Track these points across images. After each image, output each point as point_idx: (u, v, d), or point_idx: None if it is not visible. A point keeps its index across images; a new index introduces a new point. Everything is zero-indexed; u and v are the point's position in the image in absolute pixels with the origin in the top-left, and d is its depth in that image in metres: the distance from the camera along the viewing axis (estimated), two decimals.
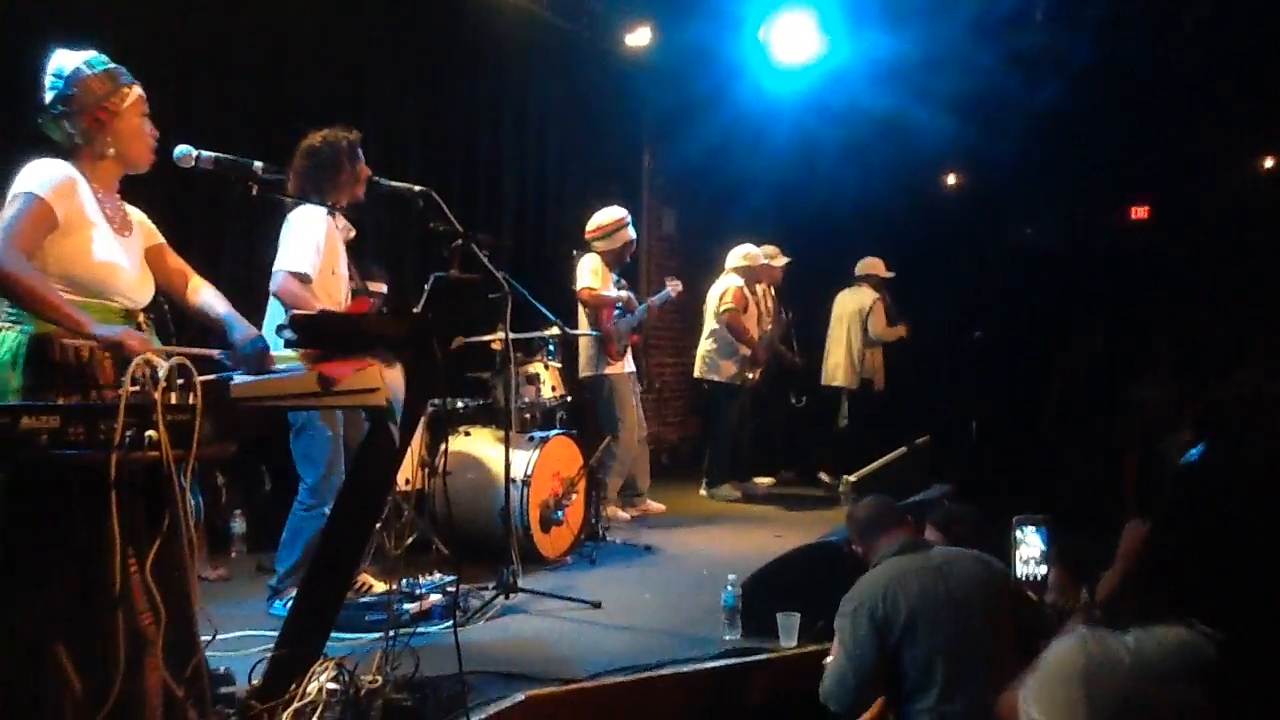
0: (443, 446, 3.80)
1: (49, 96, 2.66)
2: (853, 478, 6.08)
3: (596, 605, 4.08)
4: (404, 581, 3.72)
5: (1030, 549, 2.80)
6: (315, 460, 3.80)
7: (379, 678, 2.77)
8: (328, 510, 3.68)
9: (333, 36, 5.44)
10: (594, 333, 5.86)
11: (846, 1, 7.36)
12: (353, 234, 4.05)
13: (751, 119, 7.82)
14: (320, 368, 2.48)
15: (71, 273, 2.60)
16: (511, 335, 4.35)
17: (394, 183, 3.78)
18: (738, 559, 4.55)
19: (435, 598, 3.79)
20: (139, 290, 2.76)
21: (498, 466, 4.42)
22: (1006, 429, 7.69)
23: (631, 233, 6.02)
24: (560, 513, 4.95)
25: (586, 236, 5.98)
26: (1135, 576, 1.69)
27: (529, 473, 4.74)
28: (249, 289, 4.01)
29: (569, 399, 5.45)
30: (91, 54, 2.70)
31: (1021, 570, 2.90)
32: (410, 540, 3.85)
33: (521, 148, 6.94)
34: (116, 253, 2.68)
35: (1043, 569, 3.03)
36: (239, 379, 2.41)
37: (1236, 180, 9.35)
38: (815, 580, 3.61)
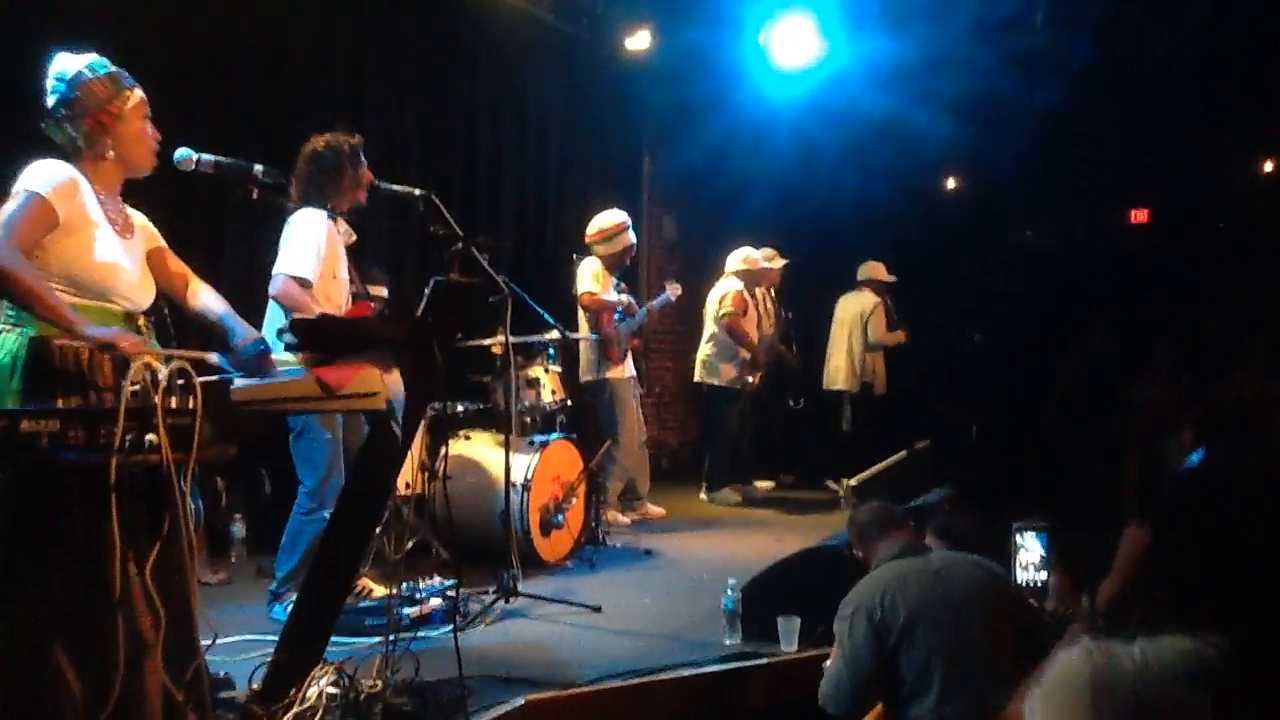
0: (443, 450, 3.80)
1: (51, 100, 2.67)
2: (853, 481, 6.08)
3: (596, 609, 4.08)
4: (404, 585, 3.71)
5: (1030, 554, 2.80)
6: (315, 464, 3.79)
7: (379, 682, 2.76)
8: (327, 514, 3.68)
9: (333, 38, 5.44)
10: (594, 336, 5.86)
11: (846, 5, 7.36)
12: (354, 238, 4.05)
13: (751, 122, 7.83)
14: (319, 372, 2.48)
15: (73, 272, 2.60)
16: (511, 339, 4.35)
17: (394, 186, 3.78)
18: (738, 563, 4.54)
19: (435, 602, 3.78)
20: (140, 292, 2.76)
21: (498, 470, 4.41)
22: (1006, 431, 7.70)
23: (632, 237, 6.02)
24: (560, 517, 4.94)
25: (587, 240, 5.98)
26: (1136, 583, 1.69)
27: (529, 477, 4.74)
28: (249, 292, 4.01)
29: (569, 403, 5.45)
30: (93, 58, 2.70)
31: (1022, 576, 2.90)
32: (410, 544, 3.85)
33: (522, 149, 6.95)
34: (118, 254, 2.69)
35: (1043, 574, 3.03)
36: (239, 382, 2.41)
37: (1236, 182, 9.36)
38: (815, 584, 3.60)
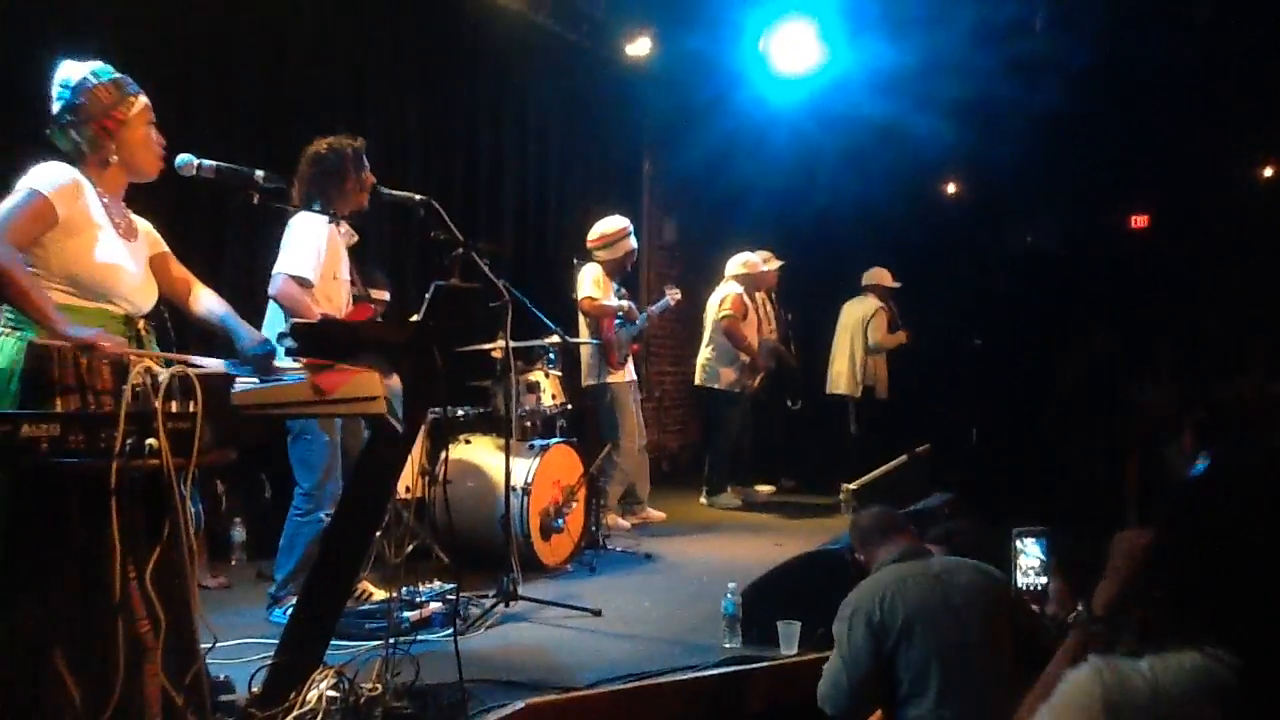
0: (443, 454, 3.79)
1: (56, 107, 2.70)
2: (853, 485, 6.08)
3: (597, 613, 4.08)
4: (404, 589, 3.71)
5: (1030, 559, 2.80)
6: (312, 466, 3.80)
7: (379, 686, 2.76)
8: (324, 515, 3.70)
9: (333, 40, 5.45)
10: (594, 341, 5.87)
11: (846, 10, 7.37)
12: (355, 238, 4.06)
13: (752, 127, 7.84)
14: (316, 378, 2.48)
15: (74, 273, 2.61)
16: (512, 343, 4.36)
17: (395, 191, 3.78)
18: (738, 567, 4.54)
19: (435, 605, 3.78)
20: (141, 295, 2.77)
21: (498, 474, 4.42)
22: (1007, 434, 7.70)
23: (633, 242, 6.03)
24: (560, 521, 4.94)
25: (588, 245, 5.98)
26: (1134, 589, 1.68)
27: (529, 481, 4.74)
28: (250, 296, 4.02)
29: (569, 407, 5.45)
30: (98, 64, 2.73)
31: (1022, 581, 2.90)
32: (410, 548, 3.85)
33: (522, 153, 6.95)
34: (120, 255, 2.70)
35: (1043, 579, 3.03)
36: (239, 386, 2.41)
37: (1236, 184, 9.36)
38: (816, 588, 3.59)
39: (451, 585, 3.85)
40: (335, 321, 3.42)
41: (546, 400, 5.22)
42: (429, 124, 6.08)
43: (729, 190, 8.23)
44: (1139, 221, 9.80)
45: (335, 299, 3.84)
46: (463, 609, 3.85)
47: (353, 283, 4.02)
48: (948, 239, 9.18)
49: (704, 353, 6.95)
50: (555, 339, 5.20)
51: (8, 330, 2.50)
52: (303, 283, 3.66)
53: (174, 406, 2.16)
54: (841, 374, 7.68)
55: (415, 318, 2.90)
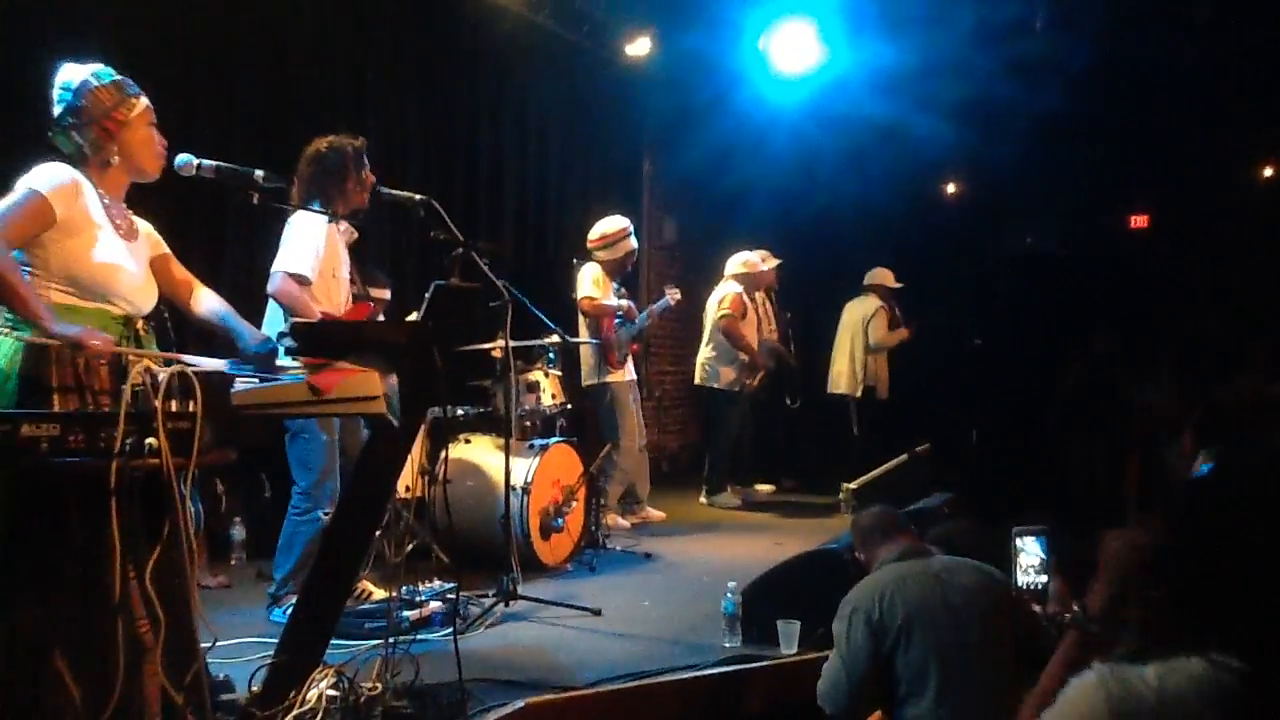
0: (443, 454, 3.79)
1: (58, 109, 2.71)
2: (853, 485, 6.08)
3: (597, 613, 4.08)
4: (404, 589, 3.71)
5: (1030, 558, 2.80)
6: (309, 465, 3.80)
7: (379, 685, 2.76)
8: (321, 514, 3.70)
9: (333, 40, 5.45)
10: (594, 341, 5.87)
11: (846, 11, 7.37)
12: (355, 235, 4.05)
13: (752, 127, 7.84)
14: (315, 377, 2.48)
15: (73, 273, 2.62)
16: (512, 343, 4.36)
17: (395, 191, 3.78)
18: (738, 566, 4.54)
19: (435, 605, 3.78)
20: (141, 296, 2.77)
21: (498, 474, 4.42)
22: (1007, 435, 7.70)
23: (634, 242, 6.03)
24: (560, 520, 4.94)
25: (589, 246, 5.98)
26: (1130, 589, 1.68)
27: (529, 480, 4.74)
28: (250, 296, 4.02)
29: (569, 406, 5.45)
30: (98, 67, 2.75)
31: (1023, 579, 2.90)
32: (410, 547, 3.85)
33: (522, 153, 6.96)
34: (120, 255, 2.70)
35: (1043, 578, 3.03)
36: (239, 385, 2.41)
37: (1237, 185, 9.36)
38: (816, 588, 3.60)
39: (451, 584, 3.86)
40: (335, 321, 3.42)
41: (546, 400, 5.22)
42: (429, 124, 6.09)
43: (729, 190, 8.24)
44: (1139, 221, 9.80)
45: (334, 297, 3.84)
46: (462, 608, 3.85)
47: (352, 281, 4.02)
48: (948, 239, 9.18)
49: (704, 352, 6.96)
50: (555, 338, 5.20)
51: (6, 330, 2.50)
52: (300, 280, 3.66)
53: (174, 406, 2.15)
54: (842, 374, 7.68)
55: (414, 317, 2.91)
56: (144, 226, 2.88)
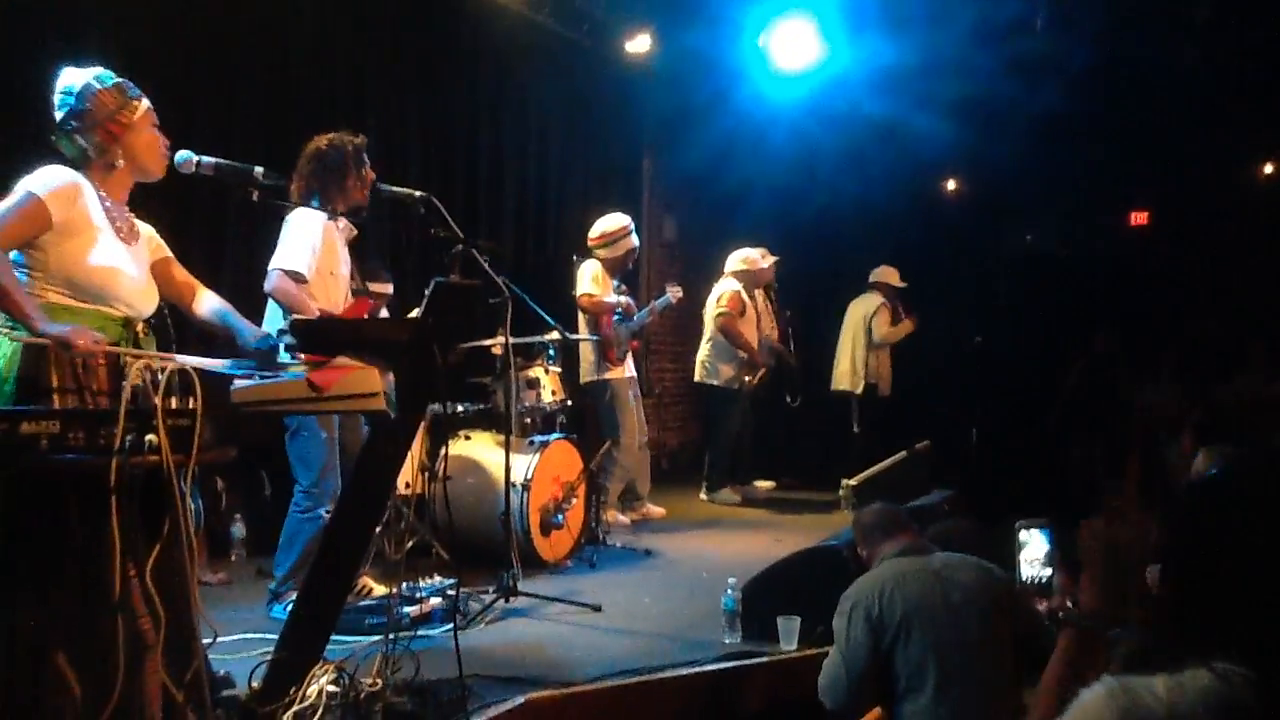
0: (443, 451, 3.79)
1: (60, 114, 2.71)
2: (853, 482, 6.08)
3: (597, 609, 4.08)
4: (404, 585, 3.72)
5: (1035, 550, 2.81)
6: (309, 463, 3.81)
7: (379, 681, 2.77)
8: (324, 512, 3.71)
9: (333, 39, 5.45)
10: (593, 337, 5.87)
11: (846, 8, 7.37)
12: (354, 233, 4.05)
13: (752, 125, 7.84)
14: (314, 375, 2.49)
15: (71, 275, 2.62)
16: (512, 340, 4.36)
17: (395, 188, 3.79)
18: (738, 563, 4.55)
19: (435, 601, 3.79)
20: (141, 298, 2.77)
21: (498, 471, 4.42)
22: (1007, 433, 7.70)
23: (634, 240, 6.03)
24: (560, 517, 4.95)
25: (589, 243, 5.99)
26: (1126, 587, 1.68)
27: (529, 477, 4.74)
28: (250, 295, 4.02)
29: (569, 403, 5.45)
30: (99, 70, 2.75)
31: (1027, 572, 2.91)
32: (410, 544, 3.85)
33: (522, 151, 6.96)
34: (119, 258, 2.70)
35: (1048, 570, 3.03)
36: (238, 383, 2.42)
37: (1237, 185, 9.36)
38: (815, 584, 3.60)
39: (451, 581, 3.86)
40: (334, 318, 3.43)
41: (546, 396, 5.22)
42: (429, 123, 6.08)
43: (729, 188, 8.24)
44: (1139, 218, 9.81)
45: (333, 295, 3.84)
46: (463, 605, 3.85)
47: (352, 278, 4.02)
48: (948, 238, 9.18)
49: (703, 349, 6.96)
50: (555, 335, 5.20)
51: (5, 329, 2.50)
52: (296, 277, 3.66)
53: (173, 403, 2.16)
54: (844, 372, 7.70)
55: (415, 314, 2.91)
56: (145, 230, 2.89)
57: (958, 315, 8.58)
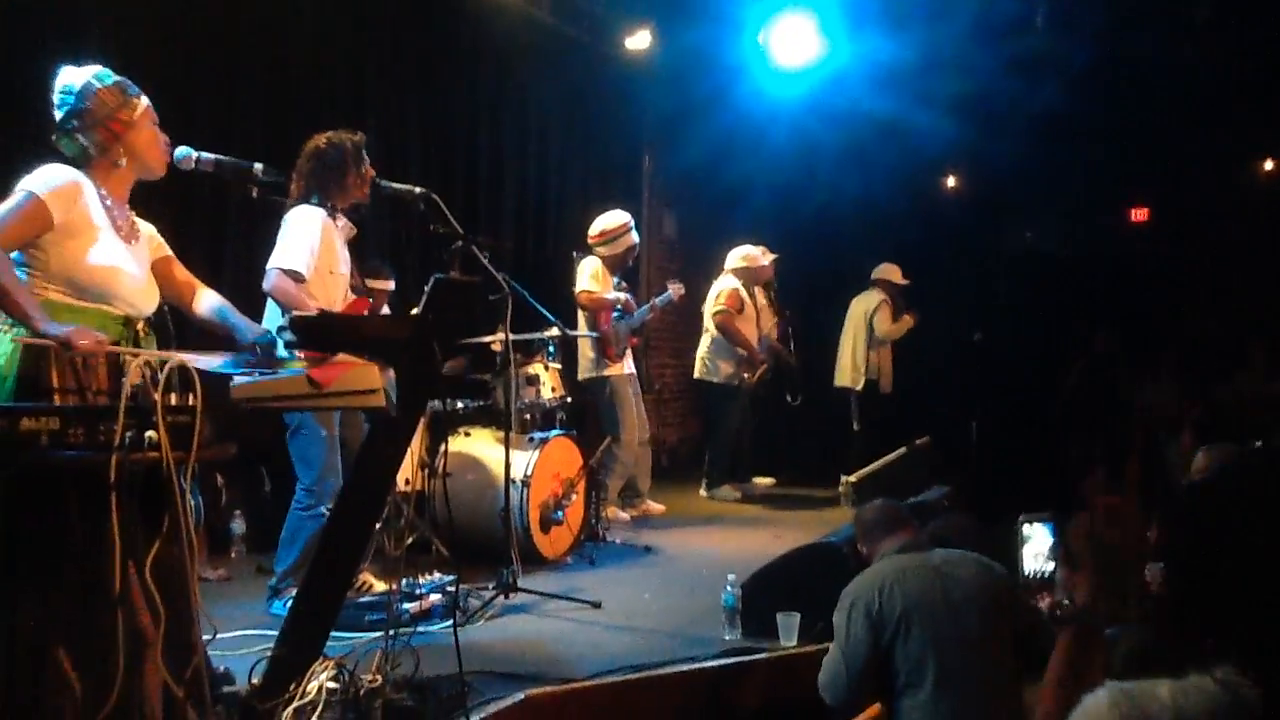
0: (443, 447, 3.80)
1: (60, 113, 2.71)
2: (853, 478, 6.09)
3: (596, 605, 4.09)
4: (404, 581, 3.72)
5: (1038, 544, 2.81)
6: (310, 461, 3.81)
7: (379, 677, 2.77)
8: (325, 510, 3.70)
9: (333, 38, 5.45)
10: (593, 334, 5.87)
11: (846, 5, 7.36)
12: (354, 231, 4.06)
13: (752, 122, 7.84)
14: (313, 371, 2.49)
15: (72, 275, 2.62)
16: (511, 336, 4.36)
17: (395, 185, 3.79)
18: (737, 559, 4.55)
19: (435, 597, 3.79)
20: (142, 298, 2.77)
21: (498, 467, 4.42)
22: (1006, 430, 7.70)
23: (634, 237, 6.03)
24: (560, 513, 4.95)
25: (589, 240, 5.98)
26: (1126, 586, 1.68)
27: (529, 473, 4.75)
28: (250, 293, 4.02)
29: (569, 400, 5.46)
30: (98, 69, 2.75)
31: (1030, 566, 2.91)
32: (410, 540, 3.85)
33: (522, 149, 6.96)
34: (120, 257, 2.70)
35: (1051, 564, 3.03)
36: (238, 380, 2.42)
37: (1236, 185, 9.37)
38: (815, 580, 3.61)
39: (451, 577, 3.86)
40: (333, 315, 3.42)
41: (546, 393, 5.23)
42: (429, 122, 6.09)
43: (729, 185, 8.24)
44: (1139, 215, 9.81)
45: (332, 294, 3.84)
46: (462, 601, 3.86)
47: (352, 277, 4.02)
48: (948, 235, 9.18)
49: (703, 346, 6.96)
50: (554, 332, 5.20)
51: (5, 328, 2.50)
52: (295, 276, 3.66)
53: (173, 400, 2.16)
54: (845, 368, 7.70)
55: (415, 311, 2.91)
56: (146, 229, 2.89)
57: (957, 313, 8.59)
